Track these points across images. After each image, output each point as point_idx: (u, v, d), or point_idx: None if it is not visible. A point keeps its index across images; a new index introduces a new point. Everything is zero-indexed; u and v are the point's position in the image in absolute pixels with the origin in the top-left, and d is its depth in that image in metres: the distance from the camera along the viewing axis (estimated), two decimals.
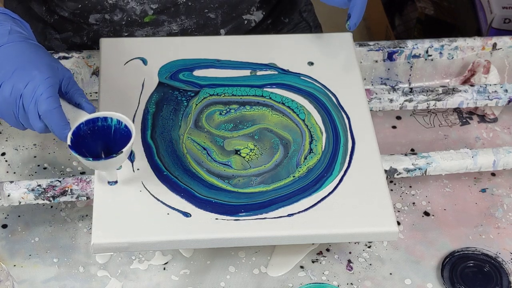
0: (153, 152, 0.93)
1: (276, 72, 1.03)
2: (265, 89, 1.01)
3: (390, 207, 0.90)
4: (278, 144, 0.95)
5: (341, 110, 0.99)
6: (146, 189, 0.90)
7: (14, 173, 1.03)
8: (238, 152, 0.94)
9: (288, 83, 1.01)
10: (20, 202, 0.95)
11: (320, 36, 1.08)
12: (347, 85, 1.02)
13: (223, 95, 1.00)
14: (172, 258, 0.96)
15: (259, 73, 1.02)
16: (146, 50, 1.03)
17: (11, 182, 0.95)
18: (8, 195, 0.94)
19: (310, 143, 0.96)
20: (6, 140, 1.05)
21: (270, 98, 1.00)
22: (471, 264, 0.96)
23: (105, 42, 1.04)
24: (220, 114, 0.98)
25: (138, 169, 0.91)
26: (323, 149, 0.95)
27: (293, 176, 0.92)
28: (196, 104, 0.98)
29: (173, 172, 0.91)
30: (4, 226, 0.99)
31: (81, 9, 1.10)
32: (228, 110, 0.98)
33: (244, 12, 1.15)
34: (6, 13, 0.90)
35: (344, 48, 1.06)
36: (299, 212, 0.89)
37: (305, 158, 0.94)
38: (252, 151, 0.95)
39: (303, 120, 0.98)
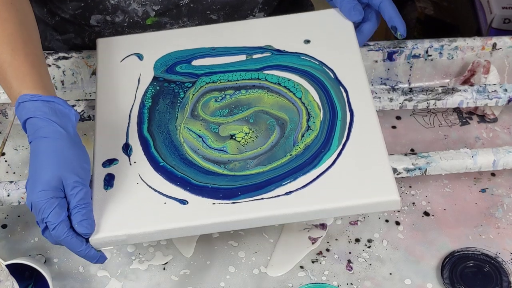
0: (150, 145, 0.93)
1: (272, 54, 1.02)
2: (261, 71, 1.00)
3: (390, 176, 0.88)
4: (274, 125, 0.94)
5: (339, 85, 0.98)
6: (143, 180, 0.90)
7: (14, 173, 1.03)
8: (233, 137, 0.94)
9: (284, 63, 1.00)
10: (20, 202, 0.95)
11: (315, 14, 1.06)
12: (345, 60, 1.00)
13: (218, 82, 0.99)
14: (172, 258, 0.96)
15: (255, 56, 1.02)
16: (141, 46, 1.03)
17: (11, 182, 0.95)
18: (8, 195, 0.94)
19: (308, 120, 0.94)
20: (6, 140, 1.05)
21: (266, 79, 0.99)
22: (471, 264, 0.96)
23: (101, 43, 1.04)
24: (216, 100, 0.97)
25: (135, 162, 0.91)
26: (320, 125, 0.94)
27: (290, 155, 0.91)
28: (193, 94, 0.98)
29: (170, 162, 0.91)
30: (4, 226, 0.99)
31: (82, 9, 1.10)
32: (223, 96, 0.98)
33: (247, 14, 1.15)
34: (52, 103, 0.87)
35: (341, 23, 1.04)
36: (297, 190, 0.87)
37: (302, 136, 0.93)
38: (247, 134, 0.94)
39: (300, 99, 0.97)
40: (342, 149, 0.90)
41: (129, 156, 0.92)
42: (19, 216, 0.99)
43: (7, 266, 0.87)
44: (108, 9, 1.09)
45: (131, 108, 0.97)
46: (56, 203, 0.82)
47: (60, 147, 0.85)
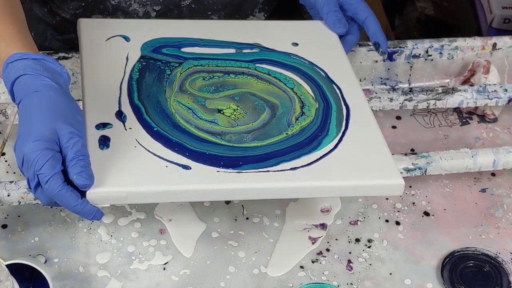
0: (142, 112, 0.92)
1: (261, 50, 1.03)
2: (252, 63, 1.01)
3: (393, 164, 0.89)
4: (264, 106, 0.95)
5: (332, 83, 0.99)
6: (141, 145, 0.88)
7: (14, 173, 1.03)
8: (221, 112, 0.93)
9: (275, 59, 1.01)
10: (20, 202, 0.95)
11: (303, 22, 1.09)
12: (334, 62, 1.02)
13: (207, 65, 0.99)
14: (172, 258, 0.96)
15: (244, 51, 1.02)
16: (127, 29, 1.02)
17: (11, 182, 0.95)
18: (8, 195, 0.94)
19: (302, 107, 0.95)
20: (6, 140, 1.05)
21: (256, 70, 1.00)
22: (471, 264, 0.96)
23: (83, 23, 1.02)
24: (204, 79, 0.97)
25: (130, 128, 0.90)
26: (315, 112, 0.95)
27: (286, 134, 0.92)
28: (181, 73, 0.98)
29: (163, 128, 0.90)
30: (4, 226, 0.99)
31: (83, 9, 1.10)
32: (212, 76, 0.98)
33: (247, 14, 1.15)
34: (42, 60, 0.85)
35: (327, 33, 1.07)
36: (302, 166, 0.88)
37: (297, 119, 0.94)
38: (236, 111, 0.94)
39: (292, 89, 0.97)
40: (342, 136, 0.92)
41: (123, 122, 0.90)
42: (19, 216, 0.99)
43: (7, 266, 0.87)
44: (109, 9, 1.09)
45: (121, 81, 0.96)
46: (50, 154, 0.77)
47: (52, 99, 0.80)
